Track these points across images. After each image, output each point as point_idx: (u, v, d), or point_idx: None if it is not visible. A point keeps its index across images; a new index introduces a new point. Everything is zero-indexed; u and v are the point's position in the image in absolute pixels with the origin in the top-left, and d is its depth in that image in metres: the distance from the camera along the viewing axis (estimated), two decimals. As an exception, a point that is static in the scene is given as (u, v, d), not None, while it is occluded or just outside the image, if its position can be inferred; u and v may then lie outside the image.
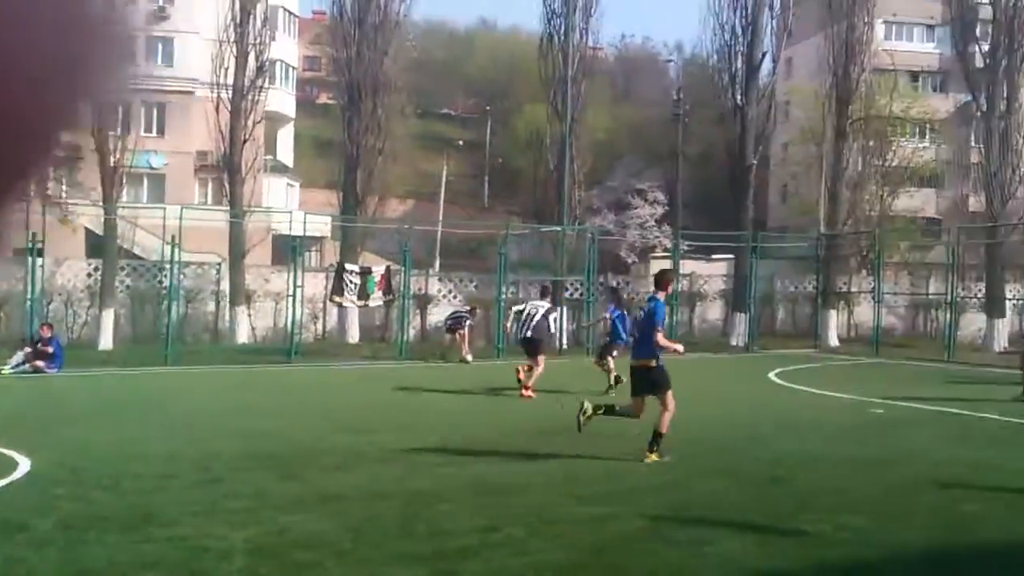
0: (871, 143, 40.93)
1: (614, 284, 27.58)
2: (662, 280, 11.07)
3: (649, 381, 10.39)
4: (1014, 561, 6.82)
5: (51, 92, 0.91)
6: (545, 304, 17.58)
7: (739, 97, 32.25)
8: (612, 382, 16.92)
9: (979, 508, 8.18)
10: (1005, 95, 32.99)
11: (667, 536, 7.13)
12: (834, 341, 32.37)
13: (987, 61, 33.49)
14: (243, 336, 28.27)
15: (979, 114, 34.95)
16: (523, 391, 16.24)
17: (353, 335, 29.41)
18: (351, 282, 26.09)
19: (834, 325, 33.12)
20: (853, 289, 35.02)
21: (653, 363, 10.38)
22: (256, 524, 7.37)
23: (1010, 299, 33.11)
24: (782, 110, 46.57)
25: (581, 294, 29.90)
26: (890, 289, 34.18)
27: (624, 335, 16.73)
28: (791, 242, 38.53)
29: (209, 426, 12.39)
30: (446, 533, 7.12)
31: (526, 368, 16.50)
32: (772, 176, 54.96)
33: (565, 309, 29.54)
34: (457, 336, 24.88)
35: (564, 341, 28.91)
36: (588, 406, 11.14)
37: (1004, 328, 32.25)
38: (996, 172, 32.26)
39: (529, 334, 17.00)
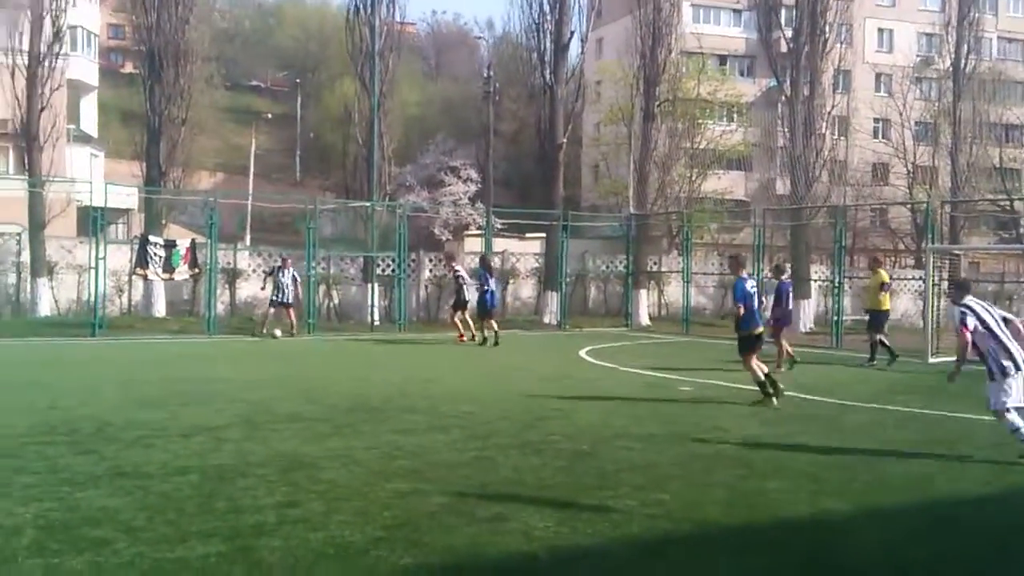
0: (679, 125, 42.23)
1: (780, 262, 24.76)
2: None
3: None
4: (814, 536, 7.00)
5: None
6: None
7: (548, 75, 32.49)
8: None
9: (782, 484, 8.35)
10: (808, 80, 34.06)
11: (468, 512, 7.11)
12: (645, 320, 33.02)
13: (791, 46, 34.52)
14: (45, 309, 27.37)
15: (784, 98, 36.00)
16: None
17: (159, 309, 28.57)
18: (155, 255, 25.36)
19: (645, 304, 33.72)
20: (663, 269, 35.86)
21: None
22: (49, 499, 7.11)
23: (815, 280, 34.14)
24: (593, 90, 47.56)
25: (393, 271, 29.80)
26: (699, 269, 35.22)
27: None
28: (602, 221, 39.31)
29: (3, 400, 11.75)
30: (245, 509, 6.99)
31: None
32: (584, 155, 56.13)
33: (377, 286, 29.43)
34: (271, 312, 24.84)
35: (377, 317, 28.83)
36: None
37: (810, 309, 33.36)
38: (800, 156, 33.50)
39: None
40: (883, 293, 20.09)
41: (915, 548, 6.69)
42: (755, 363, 13.35)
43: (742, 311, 13.40)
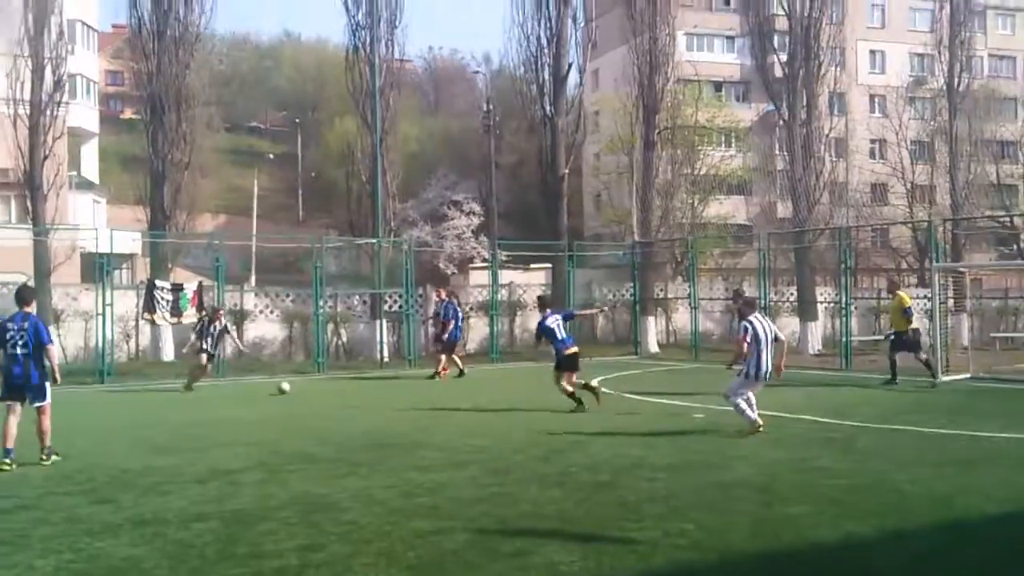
0: (679, 152, 42.25)
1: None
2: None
3: None
4: (842, 558, 6.93)
5: None
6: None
7: (548, 108, 32.76)
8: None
9: (804, 509, 8.27)
10: (805, 103, 34.36)
11: (492, 548, 7.03)
12: (654, 347, 32.82)
13: (786, 71, 34.80)
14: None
15: (781, 123, 36.24)
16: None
17: (168, 353, 28.56)
18: (163, 299, 25.35)
19: (653, 331, 33.58)
20: (670, 295, 35.76)
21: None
22: (68, 551, 7.08)
23: (821, 302, 33.97)
24: (592, 120, 47.69)
25: (400, 306, 29.81)
26: (705, 294, 34.97)
27: None
28: (607, 250, 39.31)
29: (19, 450, 11.66)
30: (266, 554, 6.94)
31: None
32: (586, 185, 56.28)
33: (385, 322, 29.42)
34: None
35: (386, 354, 28.77)
36: None
37: (817, 330, 33.38)
38: (801, 178, 33.62)
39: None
40: (904, 317, 19.96)
41: (940, 568, 6.64)
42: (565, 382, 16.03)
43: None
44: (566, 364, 16.23)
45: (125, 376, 24.24)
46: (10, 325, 11.22)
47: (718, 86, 55.78)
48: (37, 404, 11.15)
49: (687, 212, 43.14)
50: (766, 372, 12.72)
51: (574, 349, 16.39)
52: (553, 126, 32.52)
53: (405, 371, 26.07)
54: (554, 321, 16.41)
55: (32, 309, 11.57)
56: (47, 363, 11.27)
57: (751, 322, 12.76)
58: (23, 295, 11.70)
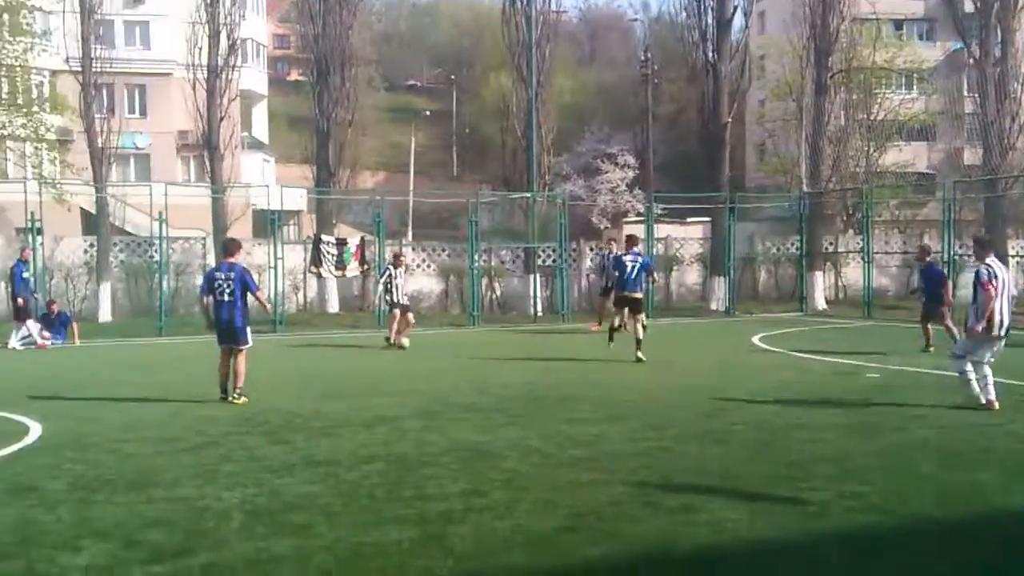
0: (854, 96, 40.05)
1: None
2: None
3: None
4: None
5: None
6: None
7: (711, 54, 31.52)
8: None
9: (992, 477, 7.78)
10: (999, 39, 32.12)
11: (653, 502, 6.96)
12: (821, 304, 31.50)
13: (978, 5, 32.60)
14: (230, 308, 28.59)
15: (971, 62, 33.89)
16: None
17: (333, 305, 29.71)
18: (328, 253, 26.41)
19: (821, 287, 32.24)
20: (840, 249, 34.38)
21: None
22: (252, 486, 7.52)
23: (1012, 256, 31.43)
24: (757, 65, 45.95)
25: (554, 261, 29.93)
26: (880, 248, 33.42)
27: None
28: (770, 202, 38.08)
29: (204, 393, 12.44)
30: (431, 497, 7.14)
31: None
32: (748, 134, 54.53)
33: (538, 276, 29.63)
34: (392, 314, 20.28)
35: (539, 308, 28.98)
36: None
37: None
38: (993, 122, 31.50)
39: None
40: None
41: None
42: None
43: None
44: (623, 303, 17.24)
45: (294, 326, 25.26)
46: (218, 274, 12.28)
47: (899, 24, 52.37)
48: (241, 346, 12.13)
49: (861, 160, 40.88)
50: (1007, 326, 10.99)
51: (638, 295, 17.02)
52: (716, 72, 31.40)
53: (558, 325, 26.18)
54: (632, 260, 16.83)
55: (236, 259, 12.34)
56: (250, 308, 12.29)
57: (990, 266, 11.00)
58: (227, 246, 12.70)
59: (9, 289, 22.17)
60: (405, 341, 19.50)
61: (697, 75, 33.11)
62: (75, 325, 21.89)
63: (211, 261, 28.97)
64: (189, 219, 30.77)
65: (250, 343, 12.24)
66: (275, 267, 25.22)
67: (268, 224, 26.59)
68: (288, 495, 7.23)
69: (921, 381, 13.75)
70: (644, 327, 16.81)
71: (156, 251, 26.69)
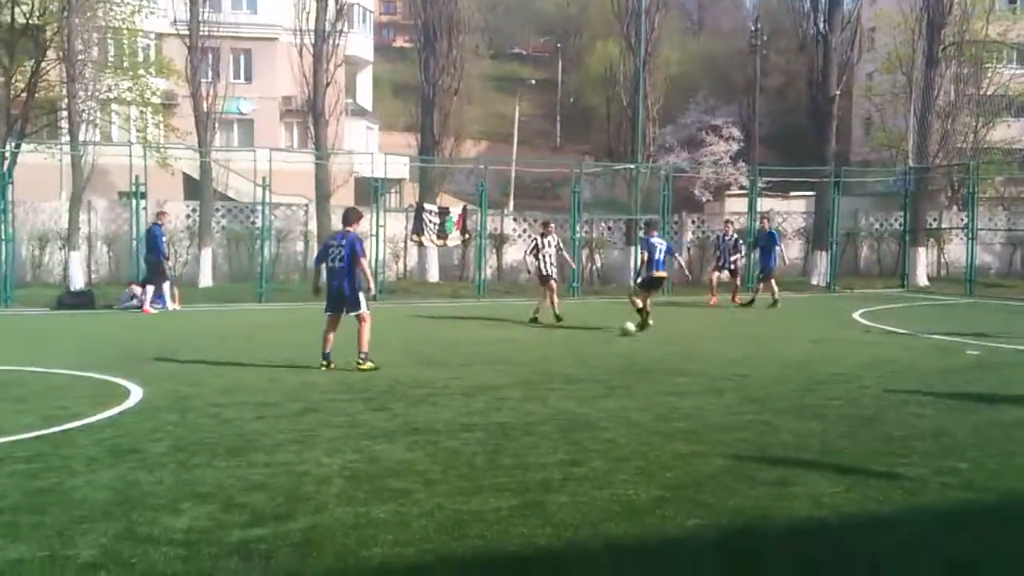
0: (965, 70, 39.09)
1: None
2: None
3: None
4: None
5: None
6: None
7: (821, 24, 31.06)
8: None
9: None
10: None
11: (750, 475, 7.00)
12: (923, 280, 31.33)
13: None
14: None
15: None
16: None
17: (433, 274, 29.93)
18: (430, 222, 26.53)
19: (923, 263, 32.00)
20: (944, 225, 33.82)
21: None
22: (351, 451, 7.66)
23: None
24: (867, 37, 44.90)
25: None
26: (985, 225, 32.83)
27: None
28: (874, 176, 37.37)
29: (303, 358, 12.73)
30: (530, 466, 7.21)
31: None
32: (855, 108, 53.31)
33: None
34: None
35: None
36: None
37: None
38: None
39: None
40: None
41: None
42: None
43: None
44: (651, 284, 17.78)
45: (395, 294, 25.64)
46: (332, 243, 12.50)
47: (1012, -4, 50.62)
48: (353, 313, 12.32)
49: (968, 136, 39.96)
50: None
51: (663, 274, 18.04)
52: (826, 44, 30.80)
53: (657, 298, 25.94)
54: (660, 243, 17.84)
55: (354, 228, 12.49)
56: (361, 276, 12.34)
57: None
58: (346, 216, 12.76)
59: (144, 251, 22.33)
60: (558, 310, 18.77)
61: (806, 46, 32.65)
62: (176, 289, 22.16)
63: (312, 228, 29.50)
64: (292, 185, 31.12)
65: (362, 309, 12.32)
66: (376, 235, 25.52)
67: (371, 192, 26.88)
68: (387, 461, 7.36)
69: (1021, 359, 13.56)
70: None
71: (258, 217, 26.97)
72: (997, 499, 6.53)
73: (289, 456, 7.50)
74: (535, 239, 19.88)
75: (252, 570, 5.02)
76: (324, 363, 12.19)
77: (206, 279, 27.79)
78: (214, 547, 5.32)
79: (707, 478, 6.93)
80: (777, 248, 23.62)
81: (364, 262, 12.32)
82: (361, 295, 12.33)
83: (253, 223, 28.86)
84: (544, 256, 18.99)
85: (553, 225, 20.28)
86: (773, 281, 23.03)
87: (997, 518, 6.19)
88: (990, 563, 5.40)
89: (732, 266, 24.02)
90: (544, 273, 18.98)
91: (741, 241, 24.70)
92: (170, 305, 21.18)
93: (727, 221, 26.39)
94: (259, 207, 26.35)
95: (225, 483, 6.70)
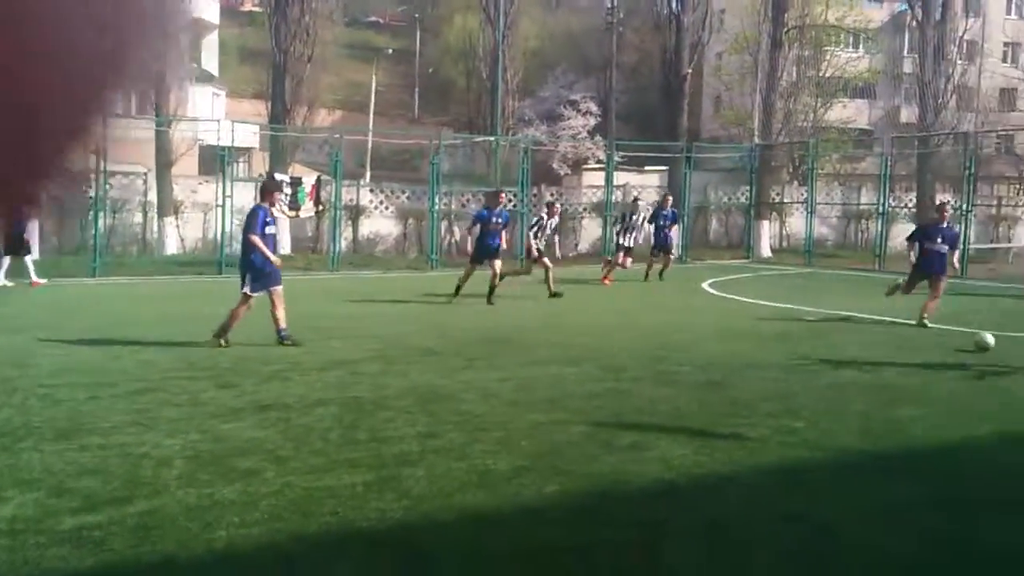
0: (806, 53, 40.86)
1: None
2: None
3: None
4: (945, 463, 6.93)
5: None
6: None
7: (675, 4, 31.84)
8: None
9: (918, 411, 8.35)
10: (941, 3, 32.89)
11: (607, 441, 7.12)
12: (767, 252, 32.65)
13: None
14: (172, 247, 27.81)
15: (914, 23, 34.84)
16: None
17: (285, 246, 28.99)
18: (282, 193, 25.68)
19: (767, 236, 33.34)
20: (786, 200, 35.23)
21: None
22: (194, 431, 7.24)
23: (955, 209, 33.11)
24: (716, 19, 46.20)
25: (515, 205, 29.69)
26: (823, 200, 34.43)
27: None
28: (723, 153, 38.54)
29: (141, 335, 12.07)
30: (387, 440, 7.04)
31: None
32: (705, 86, 54.79)
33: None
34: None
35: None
36: None
37: None
38: (929, 82, 32.36)
39: None
40: None
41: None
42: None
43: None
44: (480, 257, 17.55)
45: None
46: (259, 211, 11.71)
47: (850, -16, 52.99)
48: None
49: (808, 115, 41.84)
50: None
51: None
52: (679, 24, 31.55)
53: (519, 270, 26.01)
54: (495, 217, 17.72)
55: (266, 203, 11.92)
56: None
57: None
58: (261, 189, 12.57)
59: None
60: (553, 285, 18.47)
61: (660, 26, 33.35)
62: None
63: (152, 198, 28.18)
64: (129, 154, 29.34)
65: (245, 290, 11.70)
66: (223, 205, 24.55)
67: (217, 160, 25.90)
68: (234, 440, 7.01)
69: (855, 325, 14.61)
70: None
71: (91, 186, 25.14)
72: (828, 455, 6.97)
73: (126, 438, 6.99)
74: (540, 217, 19.77)
75: (84, 558, 4.68)
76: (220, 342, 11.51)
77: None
78: (42, 536, 4.93)
79: (565, 445, 6.99)
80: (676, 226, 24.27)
81: (253, 238, 11.54)
82: (248, 275, 11.73)
83: (85, 191, 27.35)
84: (543, 236, 19.18)
85: (559, 206, 20.47)
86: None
87: (828, 472, 6.61)
88: (818, 515, 5.68)
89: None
90: (538, 251, 18.95)
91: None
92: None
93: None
94: (91, 176, 24.54)
95: (55, 468, 6.20)
